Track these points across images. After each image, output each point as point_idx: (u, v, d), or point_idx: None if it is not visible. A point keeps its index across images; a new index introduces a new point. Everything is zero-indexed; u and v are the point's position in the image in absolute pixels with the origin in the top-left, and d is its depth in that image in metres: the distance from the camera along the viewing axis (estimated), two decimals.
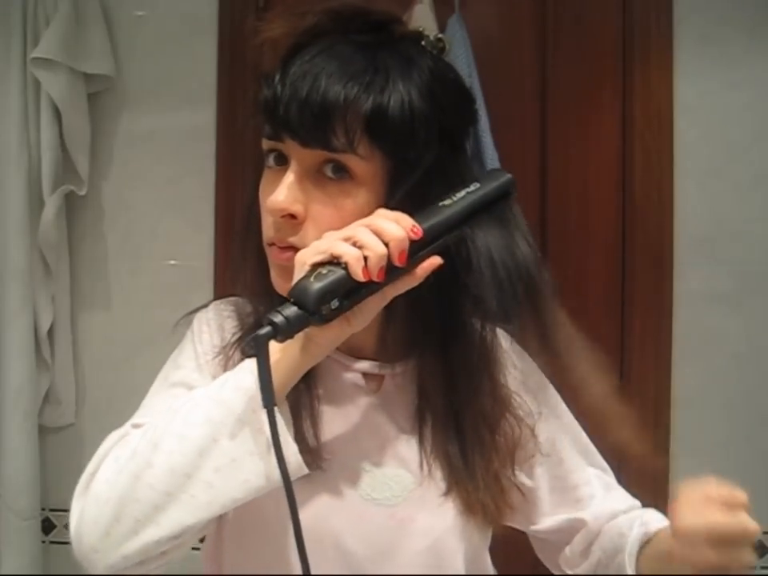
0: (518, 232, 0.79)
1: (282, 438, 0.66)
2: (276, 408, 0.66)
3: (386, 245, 0.67)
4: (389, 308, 0.76)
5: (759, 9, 1.72)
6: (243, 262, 0.85)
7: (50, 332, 1.80)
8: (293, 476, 0.67)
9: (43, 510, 1.78)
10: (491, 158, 1.61)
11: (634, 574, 0.80)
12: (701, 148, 1.74)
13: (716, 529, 0.68)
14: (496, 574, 0.90)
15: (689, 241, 1.74)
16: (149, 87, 1.83)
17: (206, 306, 0.91)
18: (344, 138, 0.72)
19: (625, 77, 1.76)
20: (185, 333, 0.89)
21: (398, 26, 0.81)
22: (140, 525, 0.67)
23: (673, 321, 1.72)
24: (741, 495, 0.70)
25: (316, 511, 0.79)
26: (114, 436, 0.75)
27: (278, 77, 0.75)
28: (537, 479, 0.88)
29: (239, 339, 0.84)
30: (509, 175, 0.78)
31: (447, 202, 0.73)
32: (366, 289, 0.68)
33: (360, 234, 0.67)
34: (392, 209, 0.73)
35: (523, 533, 0.93)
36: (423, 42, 0.81)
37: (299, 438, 0.79)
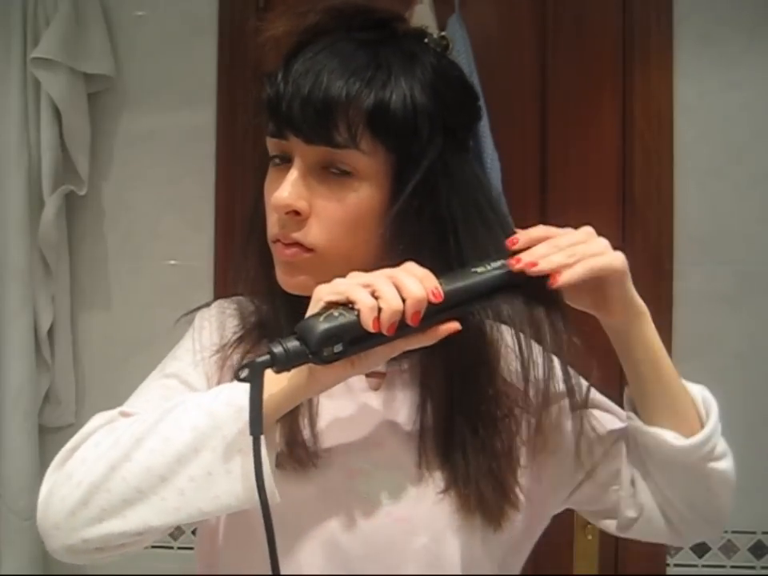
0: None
1: (266, 469, 0.66)
2: (262, 436, 0.66)
3: (404, 300, 0.65)
4: None
5: (759, 9, 1.72)
6: (246, 260, 0.86)
7: (50, 332, 1.80)
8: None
9: None
10: (491, 158, 1.61)
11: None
12: (701, 148, 1.74)
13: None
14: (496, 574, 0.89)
15: (689, 241, 1.74)
16: (149, 87, 1.83)
17: (208, 304, 0.91)
18: (347, 134, 0.73)
19: (625, 77, 1.76)
20: (186, 330, 0.89)
21: (401, 24, 0.81)
22: (106, 514, 0.68)
23: (673, 321, 1.72)
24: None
25: (312, 509, 0.79)
26: (100, 418, 0.75)
27: (280, 75, 0.75)
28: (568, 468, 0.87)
29: (239, 338, 0.84)
30: None
31: (480, 269, 0.70)
32: (375, 339, 0.66)
33: (380, 284, 0.66)
34: (399, 208, 0.73)
35: None
36: (426, 40, 0.81)
37: (296, 434, 0.79)
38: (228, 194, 1.80)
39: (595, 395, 0.88)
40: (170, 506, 0.68)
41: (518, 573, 0.90)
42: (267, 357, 0.64)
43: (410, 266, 0.69)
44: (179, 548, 1.72)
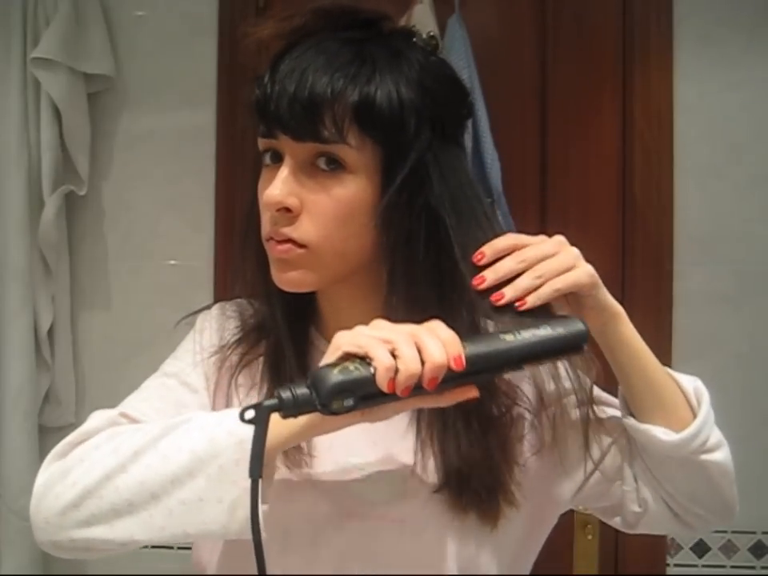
0: None
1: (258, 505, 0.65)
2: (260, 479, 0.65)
3: (423, 362, 0.64)
4: (389, 307, 0.77)
5: (759, 9, 1.72)
6: (244, 262, 0.86)
7: (50, 332, 1.80)
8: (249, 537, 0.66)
9: None
10: (491, 158, 1.61)
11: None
12: (701, 148, 1.74)
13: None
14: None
15: (689, 241, 1.74)
16: (149, 87, 1.83)
17: (209, 306, 0.92)
18: (333, 128, 0.73)
19: (625, 77, 1.76)
20: (187, 332, 0.90)
21: (388, 23, 0.82)
22: (94, 519, 0.69)
23: (673, 321, 1.72)
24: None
25: (305, 510, 0.79)
26: (99, 418, 0.76)
27: (267, 76, 0.77)
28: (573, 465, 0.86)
29: (238, 340, 0.85)
30: (582, 326, 0.70)
31: (509, 337, 0.67)
32: (388, 397, 0.64)
33: (401, 343, 0.64)
34: (389, 202, 0.74)
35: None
36: (415, 39, 0.82)
37: None
38: (228, 194, 1.80)
39: (599, 392, 0.88)
40: (156, 524, 0.68)
41: (527, 573, 0.89)
42: (275, 400, 0.62)
43: (437, 327, 0.66)
44: (179, 548, 1.72)
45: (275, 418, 0.64)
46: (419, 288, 0.77)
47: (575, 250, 0.76)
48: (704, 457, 0.80)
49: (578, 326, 0.70)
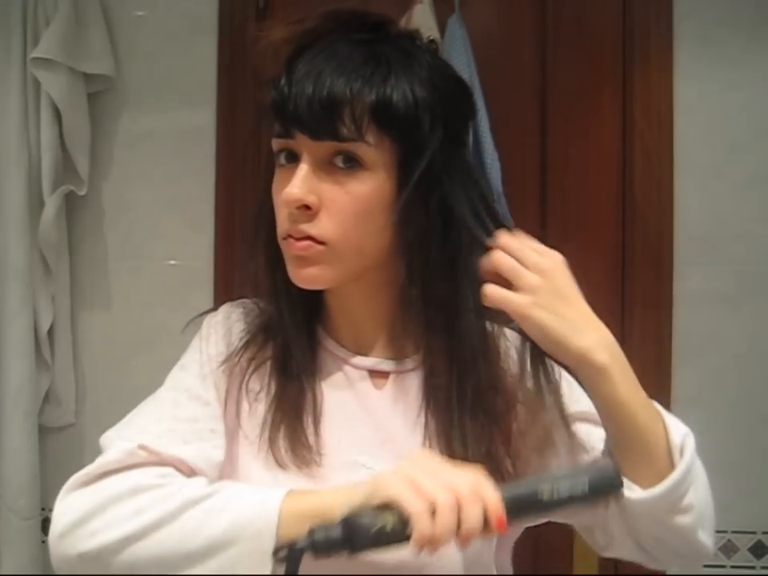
0: None
1: None
2: None
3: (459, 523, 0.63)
4: (395, 306, 0.79)
5: (759, 9, 1.72)
6: (253, 262, 0.86)
7: (50, 332, 1.80)
8: None
9: (43, 509, 1.77)
10: (491, 158, 1.61)
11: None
12: (701, 148, 1.74)
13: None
14: (500, 573, 0.89)
15: (689, 241, 1.74)
16: (149, 87, 1.83)
17: (215, 309, 0.92)
18: (353, 126, 0.75)
19: (625, 77, 1.76)
20: (192, 334, 0.90)
21: (394, 26, 0.85)
22: (112, 569, 0.70)
23: (673, 321, 1.72)
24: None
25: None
26: (121, 450, 0.76)
27: (283, 79, 0.78)
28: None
29: (245, 344, 0.85)
30: (618, 478, 0.71)
31: (546, 495, 0.66)
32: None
33: (446, 507, 0.63)
34: (406, 198, 0.76)
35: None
36: (418, 42, 0.85)
37: (300, 433, 0.80)
38: (228, 194, 1.80)
39: (592, 410, 0.87)
40: None
41: (509, 558, 0.90)
42: (308, 542, 0.63)
43: (483, 487, 0.65)
44: None
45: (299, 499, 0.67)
46: (435, 282, 0.79)
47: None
48: (672, 517, 0.76)
49: (614, 480, 0.70)
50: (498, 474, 0.81)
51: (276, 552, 0.64)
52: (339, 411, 0.83)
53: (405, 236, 0.79)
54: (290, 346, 0.84)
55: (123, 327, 1.84)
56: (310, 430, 0.81)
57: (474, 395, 0.82)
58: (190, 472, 0.77)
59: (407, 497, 0.63)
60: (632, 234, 1.75)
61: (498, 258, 0.75)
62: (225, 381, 0.85)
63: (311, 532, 0.63)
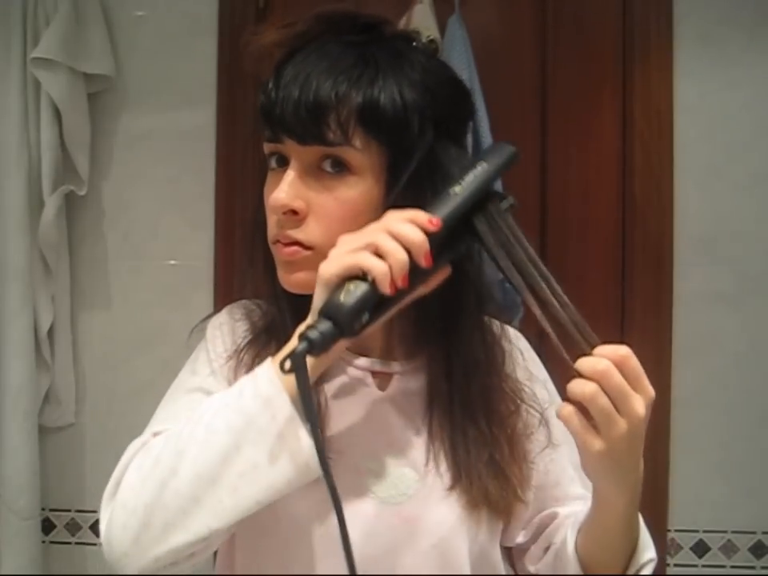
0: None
1: (306, 445, 0.68)
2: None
3: (408, 249, 0.66)
4: None
5: (759, 9, 1.72)
6: (252, 265, 0.86)
7: (50, 332, 1.80)
8: (313, 477, 0.69)
9: (43, 510, 1.77)
10: None
11: (574, 550, 0.80)
12: (701, 148, 1.74)
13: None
14: (506, 573, 0.89)
15: (689, 241, 1.74)
16: (149, 87, 1.83)
17: (218, 311, 0.92)
18: (339, 131, 0.74)
19: (625, 77, 1.76)
20: (198, 337, 0.90)
21: (389, 27, 0.83)
22: (169, 530, 0.69)
23: (673, 321, 1.72)
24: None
25: (320, 510, 0.79)
26: (135, 444, 0.76)
27: (272, 82, 0.77)
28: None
29: (249, 343, 0.85)
30: (512, 147, 0.76)
31: (457, 188, 0.72)
32: (392, 299, 0.68)
33: (381, 241, 0.66)
34: (394, 202, 0.74)
35: None
36: (415, 43, 0.83)
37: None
38: (228, 194, 1.80)
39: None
40: (227, 506, 0.69)
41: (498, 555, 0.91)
42: (305, 344, 0.65)
43: (397, 213, 0.70)
44: None
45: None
46: (427, 295, 0.77)
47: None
48: None
49: (508, 149, 0.76)
50: (503, 476, 0.81)
51: (282, 365, 0.66)
52: (342, 413, 0.83)
53: None
54: None
55: (123, 327, 1.84)
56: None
57: (478, 397, 0.82)
58: None
59: (347, 259, 0.67)
60: (632, 234, 1.75)
61: (593, 396, 0.65)
62: (233, 379, 0.85)
63: (302, 335, 0.66)
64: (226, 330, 0.88)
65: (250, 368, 0.84)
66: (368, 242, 0.67)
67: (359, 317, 0.66)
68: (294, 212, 0.76)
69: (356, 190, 0.76)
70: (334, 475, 0.80)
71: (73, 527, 1.80)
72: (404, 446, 0.82)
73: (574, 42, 1.77)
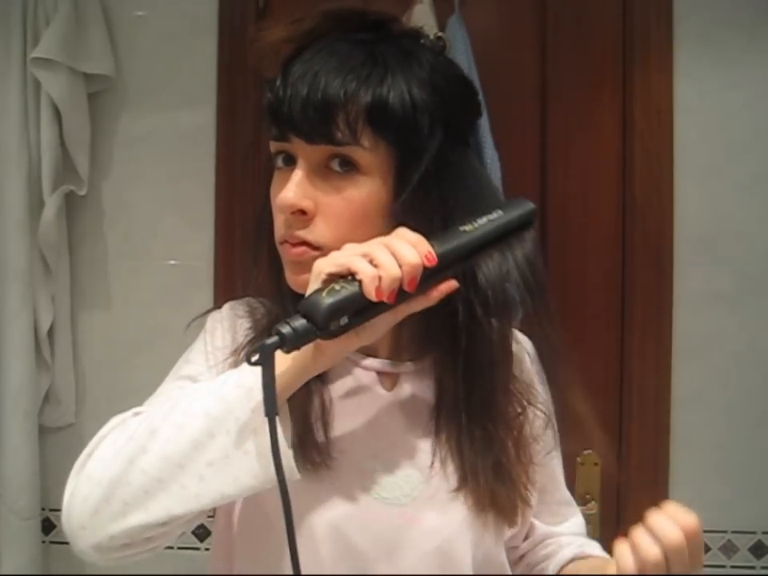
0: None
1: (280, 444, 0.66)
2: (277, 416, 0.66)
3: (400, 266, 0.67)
4: None
5: (759, 9, 1.72)
6: (256, 265, 0.86)
7: (50, 332, 1.80)
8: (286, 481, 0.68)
9: (43, 510, 1.78)
10: (491, 158, 1.61)
11: None
12: (701, 148, 1.74)
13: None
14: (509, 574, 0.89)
15: (689, 241, 1.74)
16: (149, 87, 1.83)
17: (219, 306, 0.91)
18: (347, 131, 0.74)
19: (625, 77, 1.76)
20: (197, 334, 0.90)
21: (396, 25, 0.83)
22: (128, 508, 0.68)
23: (673, 321, 1.72)
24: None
25: (324, 510, 0.79)
26: (115, 420, 0.76)
27: (279, 80, 0.77)
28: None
29: (251, 341, 0.85)
30: (531, 204, 0.77)
31: (468, 227, 0.72)
32: (377, 308, 0.68)
33: (377, 253, 0.67)
34: (403, 203, 0.74)
35: None
36: (423, 41, 0.82)
37: (309, 435, 0.79)
38: (228, 194, 1.80)
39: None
40: (191, 493, 0.68)
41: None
42: (276, 338, 0.65)
43: (403, 232, 0.70)
44: (179, 548, 1.71)
45: (278, 361, 0.66)
46: None
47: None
48: None
49: (526, 205, 0.77)
50: (510, 479, 0.81)
51: (248, 357, 0.65)
52: (348, 413, 0.83)
53: None
54: None
55: (123, 327, 1.84)
56: (319, 432, 0.80)
57: (485, 399, 0.82)
58: None
59: (343, 259, 0.67)
60: (632, 233, 1.74)
61: (656, 565, 0.66)
62: None
63: (275, 330, 0.65)
64: (227, 325, 0.88)
65: None
66: (367, 250, 0.67)
67: (336, 317, 0.65)
68: (303, 212, 0.76)
69: (364, 189, 0.76)
70: (338, 475, 0.80)
71: None
72: (409, 448, 0.82)
73: (574, 42, 1.76)
